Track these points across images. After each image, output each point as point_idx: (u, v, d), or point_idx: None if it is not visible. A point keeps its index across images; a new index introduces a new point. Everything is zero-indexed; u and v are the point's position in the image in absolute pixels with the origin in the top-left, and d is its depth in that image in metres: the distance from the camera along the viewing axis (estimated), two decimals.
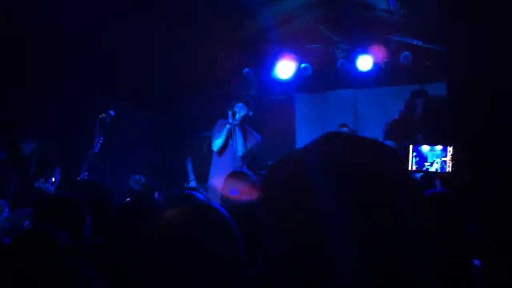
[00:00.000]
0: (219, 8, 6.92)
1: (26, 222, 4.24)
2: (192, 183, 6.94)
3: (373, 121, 8.50)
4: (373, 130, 8.23)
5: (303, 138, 8.96)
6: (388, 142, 6.35)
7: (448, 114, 6.01)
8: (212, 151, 6.61)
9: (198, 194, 3.34)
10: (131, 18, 6.30)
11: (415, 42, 7.85)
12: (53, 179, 5.56)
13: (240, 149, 6.23)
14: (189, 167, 7.23)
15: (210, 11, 6.88)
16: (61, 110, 6.61)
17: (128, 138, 6.78)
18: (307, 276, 0.90)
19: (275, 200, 0.97)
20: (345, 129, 7.86)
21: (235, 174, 4.51)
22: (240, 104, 6.21)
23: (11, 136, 6.29)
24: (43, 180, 5.51)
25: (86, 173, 5.34)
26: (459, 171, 5.02)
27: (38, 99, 6.57)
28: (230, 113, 6.17)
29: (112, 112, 5.74)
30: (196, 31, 7.00)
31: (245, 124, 6.32)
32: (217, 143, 6.33)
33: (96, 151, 5.47)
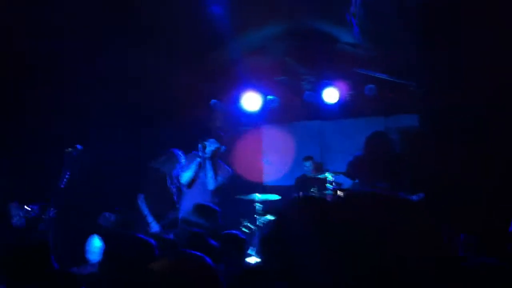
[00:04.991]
0: (187, 36, 6.88)
1: None
2: (153, 225, 6.49)
3: (338, 152, 8.58)
4: (339, 161, 8.31)
5: (269, 169, 8.96)
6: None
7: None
8: (168, 185, 6.64)
9: None
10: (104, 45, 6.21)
11: (380, 75, 8.00)
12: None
13: (211, 182, 6.16)
14: (143, 206, 6.58)
15: (178, 39, 6.84)
16: (25, 141, 6.38)
17: (99, 169, 6.57)
18: None
19: None
20: (309, 162, 7.91)
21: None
22: (211, 138, 6.16)
23: None
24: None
25: (53, 209, 5.13)
26: None
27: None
28: (200, 146, 6.11)
29: (79, 146, 5.56)
30: (165, 59, 6.93)
31: (217, 158, 6.27)
32: (185, 176, 6.25)
33: (62, 186, 5.27)
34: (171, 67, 7.04)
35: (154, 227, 6.47)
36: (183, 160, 6.70)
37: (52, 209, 5.13)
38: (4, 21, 5.21)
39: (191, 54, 7.17)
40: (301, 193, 7.08)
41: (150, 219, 6.54)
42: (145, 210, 6.58)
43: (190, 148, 6.44)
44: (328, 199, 6.84)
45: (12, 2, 5.27)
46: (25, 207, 5.31)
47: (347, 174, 6.84)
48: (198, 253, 1.87)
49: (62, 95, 6.34)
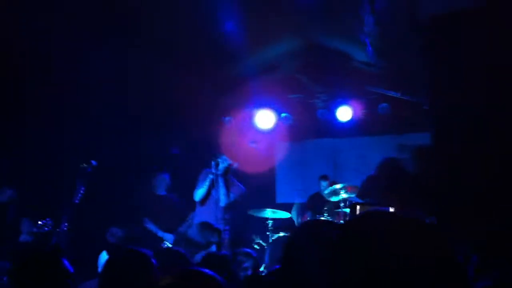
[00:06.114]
0: (201, 51, 6.91)
1: (5, 278, 4.10)
2: (167, 237, 6.62)
3: (351, 170, 8.56)
4: (352, 179, 8.27)
5: (282, 186, 8.97)
6: None
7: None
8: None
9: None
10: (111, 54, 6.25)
11: (393, 93, 8.01)
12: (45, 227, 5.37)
13: (222, 199, 6.17)
14: (152, 227, 6.73)
15: (195, 50, 6.87)
16: (40, 156, 6.46)
17: (110, 185, 6.62)
18: None
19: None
20: (326, 182, 7.88)
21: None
22: (224, 155, 6.20)
23: None
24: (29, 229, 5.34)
25: (66, 224, 5.19)
26: None
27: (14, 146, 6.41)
28: (213, 163, 6.14)
29: (94, 162, 5.62)
30: (179, 69, 6.94)
31: (229, 175, 6.29)
32: (199, 193, 6.27)
33: (77, 202, 5.33)
34: (186, 83, 7.09)
35: (169, 238, 6.50)
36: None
37: (65, 223, 5.18)
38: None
39: (203, 70, 7.21)
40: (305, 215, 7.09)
41: (160, 233, 6.61)
42: (154, 228, 6.66)
43: (199, 165, 6.47)
44: (340, 219, 6.84)
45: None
46: (39, 221, 5.36)
47: (359, 195, 6.83)
48: (209, 271, 1.80)
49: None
